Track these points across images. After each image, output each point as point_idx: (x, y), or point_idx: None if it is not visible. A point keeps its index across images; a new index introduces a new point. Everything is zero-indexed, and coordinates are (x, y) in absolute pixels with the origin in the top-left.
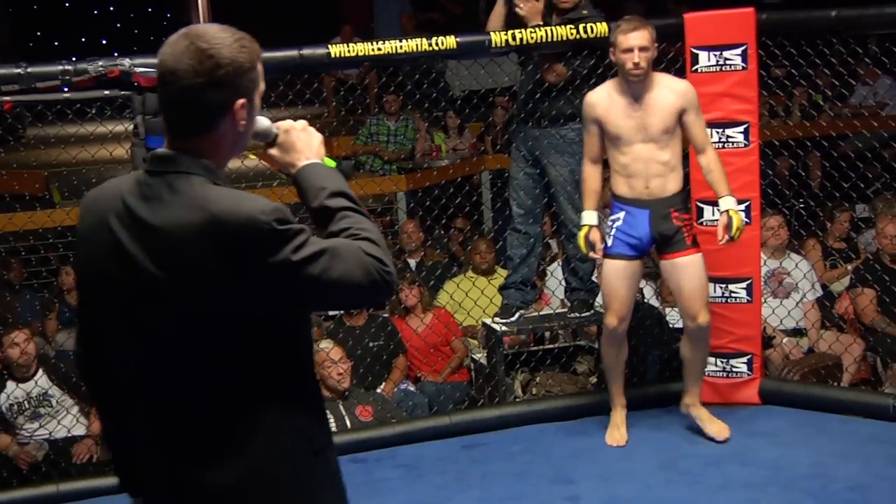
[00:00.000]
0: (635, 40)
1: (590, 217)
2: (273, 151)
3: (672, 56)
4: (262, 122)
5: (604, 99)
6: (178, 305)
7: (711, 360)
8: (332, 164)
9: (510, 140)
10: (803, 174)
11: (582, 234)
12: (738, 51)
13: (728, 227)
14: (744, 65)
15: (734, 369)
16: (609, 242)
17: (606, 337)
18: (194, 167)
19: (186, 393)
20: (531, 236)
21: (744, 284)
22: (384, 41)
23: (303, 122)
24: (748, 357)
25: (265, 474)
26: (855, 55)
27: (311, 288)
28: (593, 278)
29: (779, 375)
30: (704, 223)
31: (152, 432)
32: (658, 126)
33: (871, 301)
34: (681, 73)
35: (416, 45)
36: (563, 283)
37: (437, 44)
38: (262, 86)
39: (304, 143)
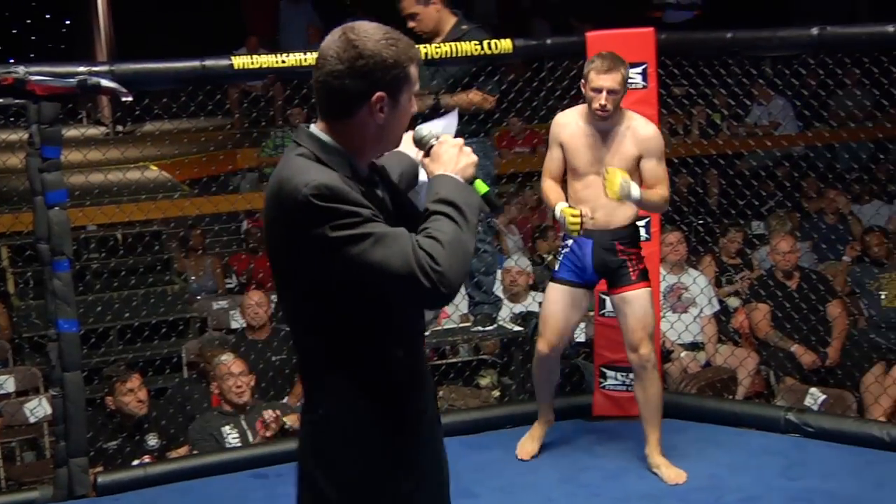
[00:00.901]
0: (605, 82)
1: (560, 204)
2: (425, 160)
3: (575, 73)
4: (423, 130)
5: (570, 124)
6: (270, 255)
7: (611, 373)
8: (483, 188)
9: None
10: (701, 191)
11: (564, 211)
12: (639, 70)
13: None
14: (644, 83)
15: (634, 383)
16: (557, 267)
17: (536, 361)
18: (309, 143)
19: (294, 337)
20: None
21: None
22: (289, 53)
23: (460, 141)
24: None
25: (332, 425)
26: (750, 76)
27: (348, 267)
28: (496, 291)
29: (677, 389)
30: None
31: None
32: (615, 165)
33: (765, 316)
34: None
35: None
36: (466, 297)
37: None
38: (412, 87)
39: (449, 157)
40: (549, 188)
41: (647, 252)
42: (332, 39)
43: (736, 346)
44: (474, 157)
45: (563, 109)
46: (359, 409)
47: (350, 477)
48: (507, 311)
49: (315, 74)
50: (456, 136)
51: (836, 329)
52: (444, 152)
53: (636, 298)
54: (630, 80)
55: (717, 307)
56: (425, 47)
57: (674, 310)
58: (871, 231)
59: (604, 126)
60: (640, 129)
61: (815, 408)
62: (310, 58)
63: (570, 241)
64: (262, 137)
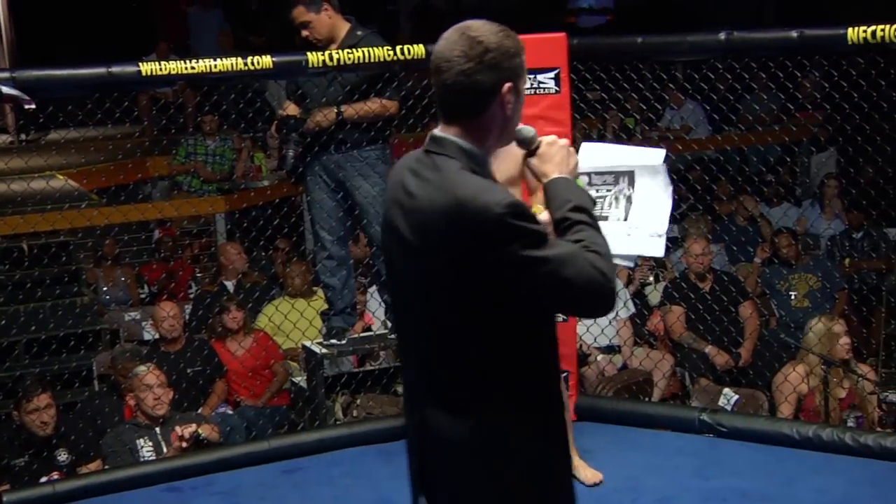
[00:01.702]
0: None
1: None
2: (532, 160)
3: None
4: (529, 130)
5: None
6: (420, 270)
7: None
8: (583, 185)
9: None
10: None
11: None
12: (551, 74)
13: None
14: (556, 88)
15: None
16: None
17: None
18: (457, 152)
19: (432, 346)
20: (343, 259)
21: None
22: (198, 60)
23: (566, 141)
24: (564, 375)
25: (485, 440)
26: (662, 80)
27: (533, 286)
28: None
29: (594, 392)
30: None
31: (414, 375)
32: (504, 173)
33: (679, 318)
34: None
35: (232, 65)
36: (383, 303)
37: (252, 63)
38: (525, 78)
39: (562, 158)
40: None
41: None
42: (451, 41)
43: (651, 348)
44: (577, 157)
45: None
46: (525, 421)
47: (518, 485)
48: None
49: (440, 79)
50: (356, 146)
51: (748, 329)
52: (556, 153)
53: None
54: (543, 85)
55: (632, 310)
56: (337, 53)
57: None
58: (780, 233)
59: None
60: None
61: (729, 408)
62: (220, 64)
63: None
64: (173, 145)
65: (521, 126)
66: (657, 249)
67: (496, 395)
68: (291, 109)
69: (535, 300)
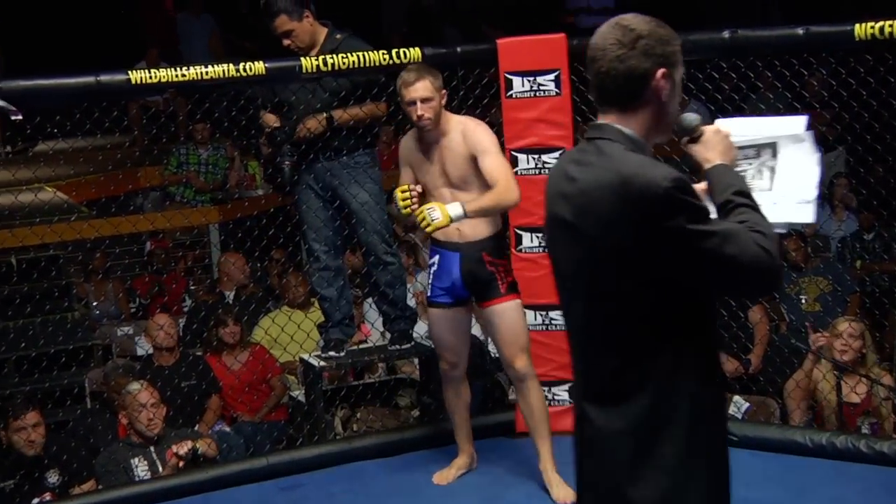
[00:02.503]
0: (416, 92)
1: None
2: (695, 146)
3: (487, 81)
4: (693, 118)
5: (409, 145)
6: (585, 254)
7: None
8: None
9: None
10: None
11: (395, 194)
12: (552, 76)
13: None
14: (557, 90)
15: (556, 397)
16: (428, 290)
17: (443, 380)
18: (617, 135)
19: (592, 334)
20: (338, 270)
21: (541, 311)
22: (189, 67)
23: (727, 129)
24: (570, 384)
25: (647, 426)
26: None
27: (699, 261)
28: (409, 303)
29: None
30: (523, 250)
31: (579, 369)
32: (454, 173)
33: None
34: (496, 99)
35: (223, 71)
36: (381, 313)
37: (245, 69)
38: (682, 69)
39: (725, 147)
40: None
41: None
42: (605, 32)
43: None
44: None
45: (473, 117)
46: (697, 401)
47: (678, 471)
48: (424, 327)
49: (595, 67)
50: (350, 151)
51: (758, 335)
52: (719, 141)
53: (506, 311)
54: (543, 87)
55: None
56: (332, 58)
57: None
58: (789, 236)
59: (432, 137)
60: (468, 128)
61: (739, 416)
62: (211, 70)
63: (435, 258)
64: (165, 155)
65: (685, 114)
66: (806, 216)
67: (660, 380)
68: (269, 120)
69: (701, 275)
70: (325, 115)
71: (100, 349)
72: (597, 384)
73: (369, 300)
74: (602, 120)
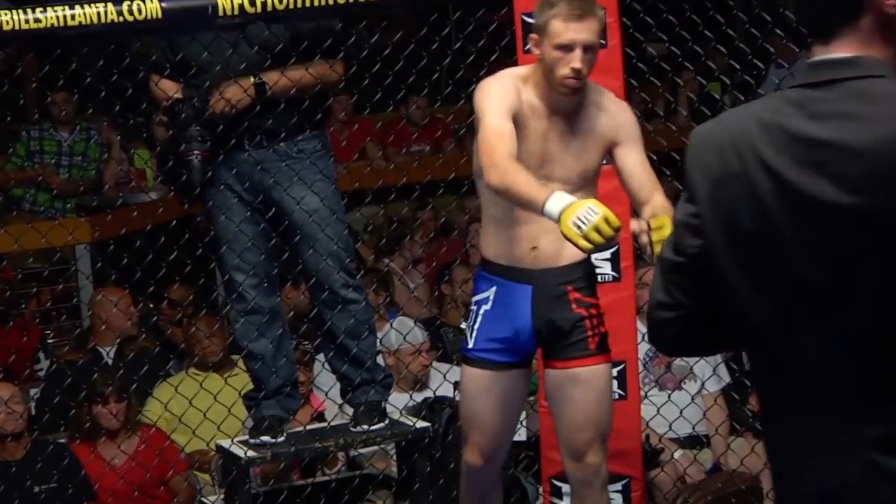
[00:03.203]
0: (581, 33)
1: (559, 196)
2: None
3: (496, 27)
4: None
5: (520, 95)
6: (871, 245)
7: (567, 486)
8: None
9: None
10: None
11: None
12: None
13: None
14: (602, 40)
15: None
16: (470, 339)
17: (465, 478)
18: (879, 68)
19: (880, 360)
20: (273, 313)
21: (614, 372)
22: (45, 7)
23: None
24: (624, 482)
25: None
26: (762, 24)
27: None
28: (380, 360)
29: None
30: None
31: (843, 405)
32: (573, 163)
33: None
34: (508, 54)
35: (98, 14)
36: (339, 378)
37: (130, 11)
38: None
39: None
40: (516, 168)
41: (616, 298)
42: None
43: (758, 438)
44: None
45: (478, 81)
46: None
47: None
48: (403, 397)
49: None
50: (289, 135)
51: None
52: None
53: (593, 379)
54: None
55: (726, 380)
56: None
57: (661, 386)
58: None
59: (566, 104)
60: (613, 104)
61: None
62: (80, 13)
63: (489, 292)
64: (6, 140)
65: None
66: None
67: None
68: (168, 88)
69: None
70: (252, 79)
71: None
72: (890, 426)
73: (321, 357)
74: (837, 53)
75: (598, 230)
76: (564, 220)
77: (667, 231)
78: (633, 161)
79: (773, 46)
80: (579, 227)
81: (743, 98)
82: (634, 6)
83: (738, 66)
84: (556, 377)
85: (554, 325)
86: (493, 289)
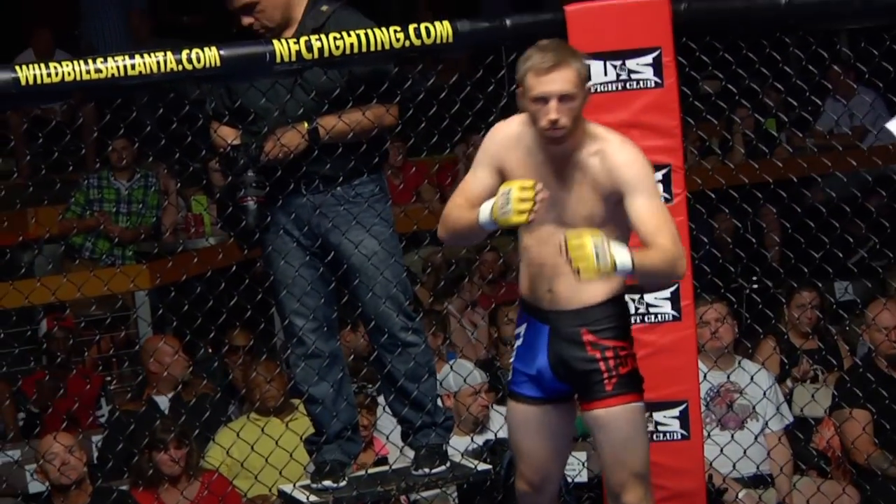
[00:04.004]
0: (553, 84)
1: (485, 205)
2: None
3: None
4: None
5: (515, 139)
6: None
7: None
8: None
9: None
10: (754, 240)
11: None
12: (649, 59)
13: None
14: (657, 79)
15: None
16: (510, 373)
17: None
18: None
19: None
20: (333, 357)
21: (675, 412)
22: (106, 57)
23: None
24: None
25: None
26: (819, 60)
27: None
28: (440, 403)
29: None
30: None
31: None
32: (577, 209)
33: (865, 428)
34: None
35: (157, 64)
36: (396, 421)
37: (189, 60)
38: None
39: None
40: (462, 206)
41: (678, 337)
42: None
43: (823, 477)
44: None
45: None
46: None
47: None
48: (464, 440)
49: None
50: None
51: None
52: None
53: (613, 421)
54: (637, 75)
55: (790, 419)
56: (318, 41)
57: (723, 425)
58: None
59: (560, 150)
60: (614, 152)
61: None
62: (139, 63)
63: (522, 327)
64: (67, 188)
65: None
66: None
67: None
68: (226, 134)
69: None
70: (307, 124)
71: None
72: None
73: (381, 400)
74: None
75: (521, 201)
76: (496, 217)
77: (584, 242)
78: (634, 211)
79: (829, 82)
80: (506, 212)
81: (799, 133)
82: (690, 45)
83: (794, 103)
84: (586, 420)
85: (569, 367)
86: (524, 325)
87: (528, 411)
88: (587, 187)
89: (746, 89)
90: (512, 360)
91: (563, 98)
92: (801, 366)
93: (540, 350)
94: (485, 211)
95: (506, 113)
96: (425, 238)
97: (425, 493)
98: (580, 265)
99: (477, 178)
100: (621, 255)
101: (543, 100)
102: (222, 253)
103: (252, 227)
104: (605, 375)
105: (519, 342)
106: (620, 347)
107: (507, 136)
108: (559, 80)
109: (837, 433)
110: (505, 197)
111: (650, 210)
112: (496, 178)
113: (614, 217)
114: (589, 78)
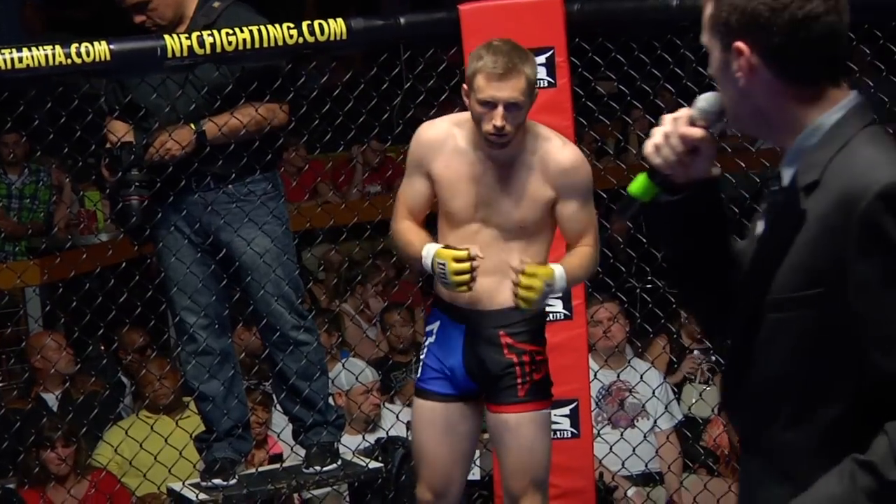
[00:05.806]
0: (503, 91)
1: (430, 246)
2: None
3: (446, 67)
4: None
5: (440, 141)
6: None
7: None
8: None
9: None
10: (646, 240)
11: (442, 254)
12: (542, 59)
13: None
14: (550, 79)
15: None
16: (419, 370)
17: None
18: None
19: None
20: (225, 354)
21: (566, 410)
22: None
23: None
24: None
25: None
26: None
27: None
28: (332, 401)
29: None
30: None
31: None
32: (512, 214)
33: None
34: (458, 94)
35: (47, 57)
36: (291, 419)
37: (79, 54)
38: None
39: None
40: (408, 229)
41: (568, 336)
42: None
43: (711, 475)
44: None
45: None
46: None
47: None
48: (355, 439)
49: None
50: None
51: None
52: None
53: (521, 427)
54: None
55: (679, 417)
56: (211, 36)
57: (614, 424)
58: None
59: (500, 154)
60: (556, 155)
61: None
62: (27, 56)
63: (435, 325)
64: None
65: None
66: None
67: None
68: (117, 130)
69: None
70: (190, 126)
71: None
72: None
73: (273, 398)
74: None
75: (457, 274)
76: (431, 265)
77: (537, 283)
78: (567, 212)
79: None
80: (446, 284)
81: None
82: (583, 45)
83: (686, 104)
84: (491, 420)
85: (485, 367)
86: (438, 323)
87: (436, 409)
88: (526, 191)
89: (640, 90)
90: (423, 356)
91: (510, 106)
92: (687, 363)
93: (455, 348)
94: (426, 261)
95: (402, 111)
96: (319, 236)
97: (317, 492)
98: (524, 297)
99: (412, 187)
100: (561, 280)
101: (491, 105)
102: (112, 249)
103: (134, 224)
104: (520, 381)
105: (431, 339)
106: (536, 352)
107: (431, 140)
108: (509, 88)
109: (725, 432)
110: (441, 269)
111: (581, 217)
112: (427, 184)
113: (544, 221)
114: (536, 82)
